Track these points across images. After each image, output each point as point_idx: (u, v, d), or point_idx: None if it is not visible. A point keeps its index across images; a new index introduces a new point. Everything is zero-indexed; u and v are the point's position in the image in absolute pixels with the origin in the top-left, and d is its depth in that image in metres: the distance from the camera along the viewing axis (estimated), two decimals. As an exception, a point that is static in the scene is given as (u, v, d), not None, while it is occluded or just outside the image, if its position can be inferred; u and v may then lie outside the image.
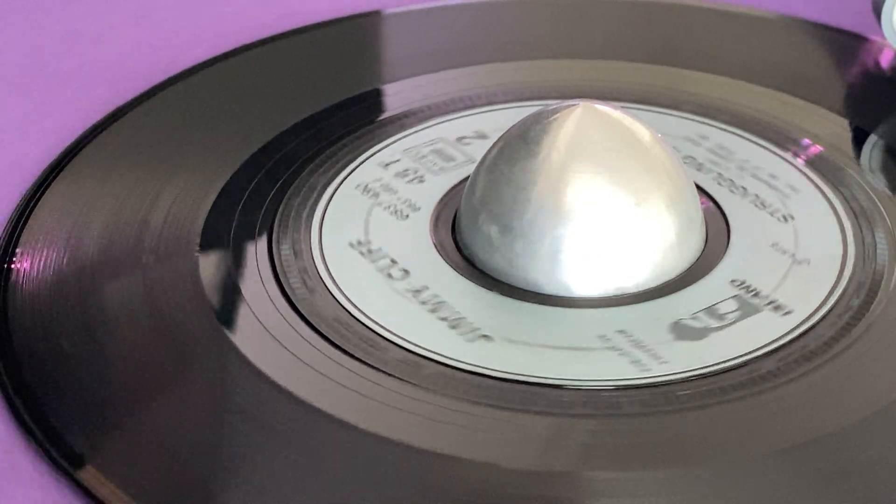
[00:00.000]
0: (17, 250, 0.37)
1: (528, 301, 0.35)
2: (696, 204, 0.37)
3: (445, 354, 0.33)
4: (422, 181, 0.39)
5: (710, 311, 0.35)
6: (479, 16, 0.47)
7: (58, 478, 0.31)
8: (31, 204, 0.38)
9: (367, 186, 0.39)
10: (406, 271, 0.36)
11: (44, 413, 0.32)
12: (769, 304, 0.35)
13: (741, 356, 0.33)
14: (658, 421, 0.32)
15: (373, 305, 0.35)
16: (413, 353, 0.33)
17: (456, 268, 0.36)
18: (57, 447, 0.31)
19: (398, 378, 0.33)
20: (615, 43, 0.45)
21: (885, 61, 0.45)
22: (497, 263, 0.36)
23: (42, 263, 0.36)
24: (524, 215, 0.35)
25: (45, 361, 0.34)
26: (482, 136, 0.40)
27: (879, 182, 0.39)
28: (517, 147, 0.36)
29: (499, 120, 0.41)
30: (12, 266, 0.36)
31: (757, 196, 0.38)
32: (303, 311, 0.34)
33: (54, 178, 0.39)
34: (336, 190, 0.39)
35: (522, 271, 0.35)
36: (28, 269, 0.36)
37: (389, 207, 0.38)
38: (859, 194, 0.38)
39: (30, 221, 0.38)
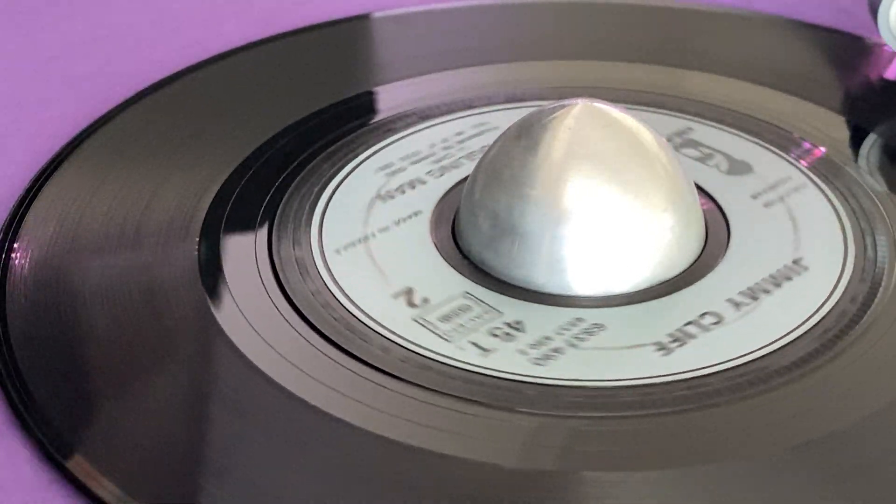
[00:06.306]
0: (15, 246, 0.37)
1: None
2: (695, 203, 0.37)
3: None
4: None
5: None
6: (480, 17, 0.47)
7: (54, 473, 0.31)
8: (28, 201, 0.38)
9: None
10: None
11: (39, 406, 0.32)
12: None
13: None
14: (658, 421, 0.32)
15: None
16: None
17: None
18: (52, 440, 0.31)
19: (398, 378, 0.33)
20: (615, 43, 0.45)
21: (882, 62, 0.45)
22: (497, 263, 0.35)
23: (39, 259, 0.36)
24: (524, 215, 0.35)
25: (42, 355, 0.34)
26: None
27: (879, 181, 0.39)
28: (516, 147, 0.36)
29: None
30: (10, 261, 0.36)
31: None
32: (302, 311, 0.34)
33: (51, 176, 0.39)
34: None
35: (522, 271, 0.35)
36: (25, 263, 0.36)
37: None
38: (859, 194, 0.38)
39: (27, 218, 0.38)
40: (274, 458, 0.31)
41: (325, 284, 0.35)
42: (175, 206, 0.38)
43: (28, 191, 0.39)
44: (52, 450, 0.31)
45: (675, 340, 0.34)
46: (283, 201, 0.38)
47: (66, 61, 0.45)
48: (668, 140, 0.37)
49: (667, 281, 0.35)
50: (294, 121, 0.41)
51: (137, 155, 0.40)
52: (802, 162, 0.40)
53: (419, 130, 0.41)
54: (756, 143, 0.40)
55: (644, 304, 0.35)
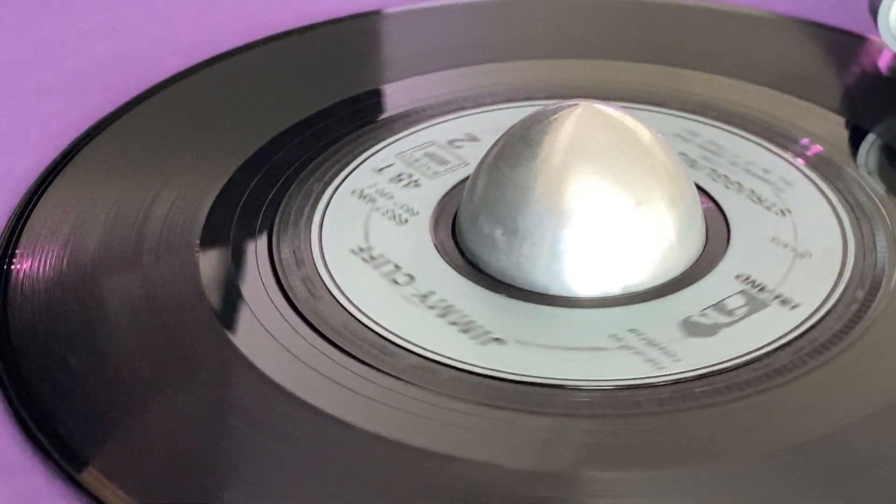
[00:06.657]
0: (17, 252, 0.37)
1: (532, 302, 0.35)
2: (696, 203, 0.37)
3: (446, 355, 0.33)
4: (422, 181, 0.39)
5: (709, 311, 0.35)
6: (479, 16, 0.47)
7: (58, 479, 0.31)
8: (30, 206, 0.38)
9: (365, 187, 0.39)
10: (409, 274, 0.36)
11: (44, 415, 0.32)
12: (768, 304, 0.35)
13: (741, 356, 0.33)
14: (657, 421, 0.32)
15: (372, 305, 0.35)
16: (414, 353, 0.33)
17: (459, 270, 0.36)
18: (57, 448, 0.31)
19: (399, 378, 0.33)
20: (615, 43, 0.45)
21: (882, 61, 0.45)
22: (499, 265, 0.36)
23: (42, 265, 0.36)
24: (525, 216, 0.35)
25: (46, 364, 0.34)
26: (482, 137, 0.40)
27: (878, 181, 0.39)
28: (518, 147, 0.36)
29: (498, 120, 0.41)
30: (12, 268, 0.36)
31: (756, 195, 0.38)
32: (304, 313, 0.34)
33: (53, 179, 0.39)
34: (335, 191, 0.39)
35: (525, 272, 0.35)
36: (28, 270, 0.36)
37: (388, 209, 0.38)
38: (858, 193, 0.38)
39: (29, 223, 0.38)
40: (277, 461, 0.31)
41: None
42: (177, 207, 0.38)
43: (30, 195, 0.39)
44: (62, 459, 0.31)
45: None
46: (284, 201, 0.38)
47: (66, 64, 0.45)
48: (668, 140, 0.37)
49: (668, 281, 0.36)
50: (294, 122, 0.41)
51: (139, 158, 0.40)
52: (802, 161, 0.40)
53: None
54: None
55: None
